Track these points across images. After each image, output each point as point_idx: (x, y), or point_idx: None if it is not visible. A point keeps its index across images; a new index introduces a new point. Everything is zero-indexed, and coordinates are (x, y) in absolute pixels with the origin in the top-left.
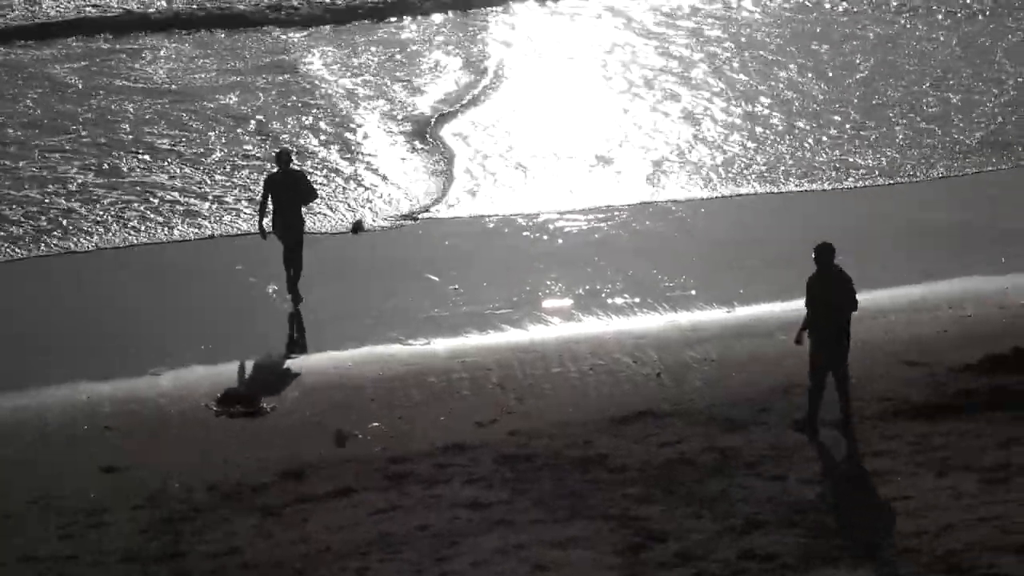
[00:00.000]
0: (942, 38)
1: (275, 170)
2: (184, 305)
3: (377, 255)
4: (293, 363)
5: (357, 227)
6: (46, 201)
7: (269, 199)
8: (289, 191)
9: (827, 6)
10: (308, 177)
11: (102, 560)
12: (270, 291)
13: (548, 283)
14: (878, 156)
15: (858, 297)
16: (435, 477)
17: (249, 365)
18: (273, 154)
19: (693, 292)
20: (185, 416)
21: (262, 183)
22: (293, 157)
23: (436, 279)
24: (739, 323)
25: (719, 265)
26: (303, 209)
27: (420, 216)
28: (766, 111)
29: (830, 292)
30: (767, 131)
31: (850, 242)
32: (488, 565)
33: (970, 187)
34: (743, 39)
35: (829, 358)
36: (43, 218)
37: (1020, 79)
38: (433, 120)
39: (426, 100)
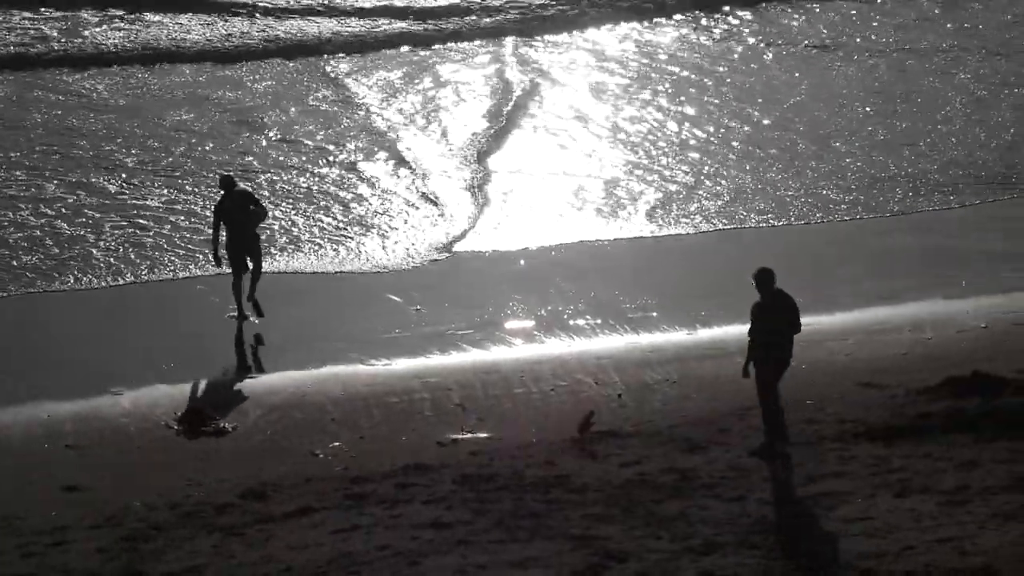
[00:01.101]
0: (869, 63)
1: (221, 195)
2: (145, 325)
3: (339, 276)
4: (254, 383)
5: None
6: (48, 227)
7: (221, 225)
8: (241, 213)
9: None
10: (255, 195)
11: None
12: (228, 316)
13: (510, 304)
14: (839, 190)
15: (816, 319)
16: (396, 497)
17: (210, 385)
18: (218, 178)
19: (654, 314)
20: (146, 435)
21: (212, 212)
22: (236, 179)
23: (398, 300)
24: (700, 345)
25: (681, 289)
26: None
27: (454, 249)
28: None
29: (773, 315)
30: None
31: (812, 265)
32: None
33: (931, 214)
34: (727, 80)
35: (780, 376)
36: (54, 247)
37: (958, 105)
38: (449, 154)
39: (445, 135)
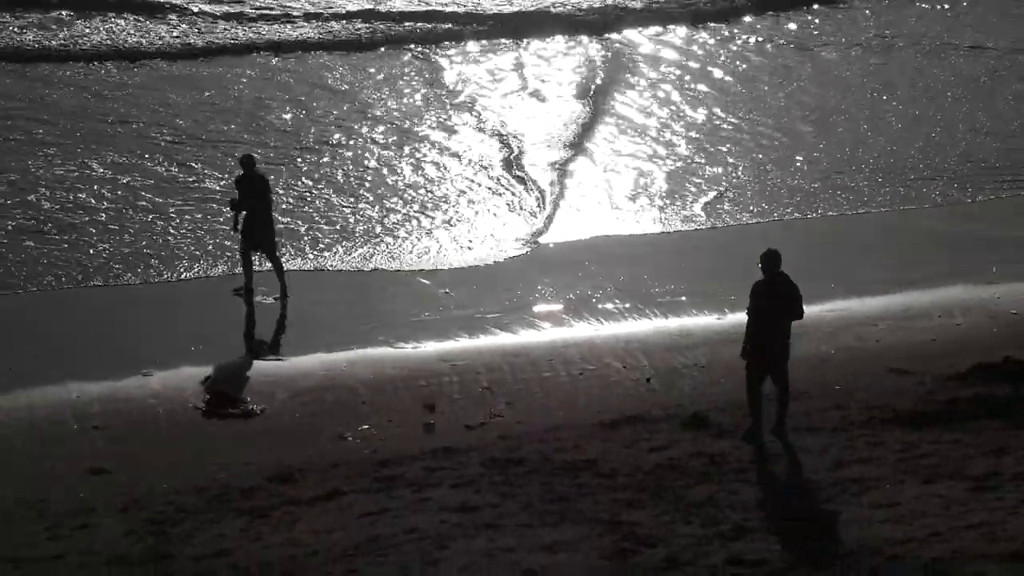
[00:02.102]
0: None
1: (240, 174)
2: (174, 306)
3: (365, 259)
4: (283, 365)
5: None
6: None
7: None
8: (255, 197)
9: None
10: (269, 185)
11: (88, 562)
12: (263, 298)
13: (539, 288)
14: (872, 182)
15: (846, 305)
16: (424, 480)
17: (239, 367)
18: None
19: (683, 298)
20: (174, 417)
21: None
22: (256, 160)
23: (427, 282)
24: (729, 329)
25: (711, 273)
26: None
27: (538, 241)
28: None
29: (775, 299)
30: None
31: (842, 253)
32: (476, 569)
33: (961, 203)
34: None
35: (771, 364)
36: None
37: (988, 99)
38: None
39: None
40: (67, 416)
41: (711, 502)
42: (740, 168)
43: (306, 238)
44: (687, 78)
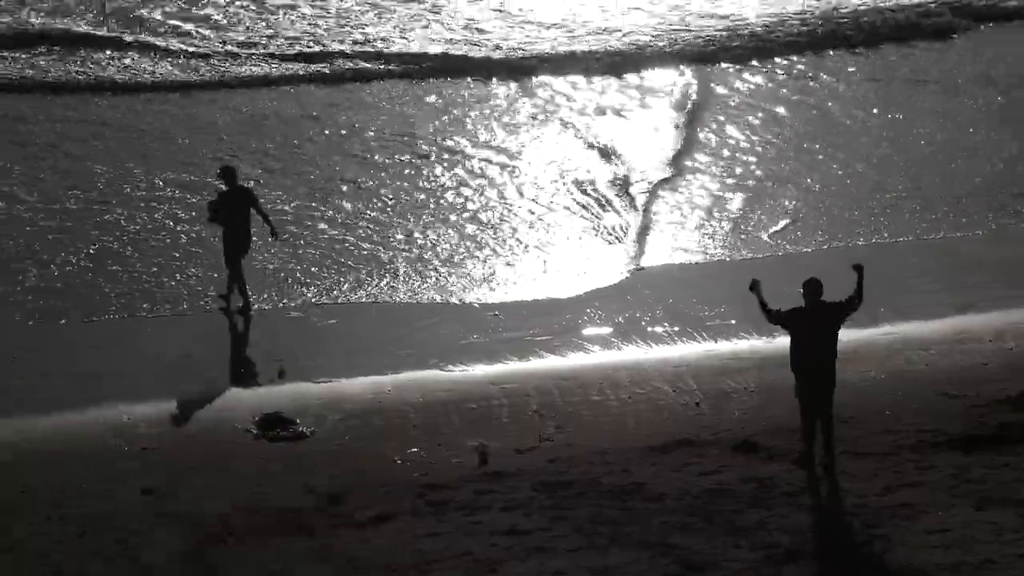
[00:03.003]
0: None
1: (225, 188)
2: (229, 328)
3: (415, 284)
4: (333, 387)
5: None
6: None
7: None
8: (235, 212)
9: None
10: (255, 196)
11: None
12: (314, 320)
13: (588, 311)
14: (922, 208)
15: (897, 328)
16: (474, 504)
17: (289, 389)
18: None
19: (733, 321)
20: (224, 439)
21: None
22: (237, 174)
23: (476, 305)
24: (778, 353)
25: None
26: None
27: (643, 267)
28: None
29: (820, 323)
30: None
31: (891, 275)
32: None
33: (1012, 227)
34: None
35: (819, 398)
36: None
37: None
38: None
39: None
40: (117, 438)
41: (761, 526)
42: (807, 198)
43: (362, 264)
44: (766, 108)
